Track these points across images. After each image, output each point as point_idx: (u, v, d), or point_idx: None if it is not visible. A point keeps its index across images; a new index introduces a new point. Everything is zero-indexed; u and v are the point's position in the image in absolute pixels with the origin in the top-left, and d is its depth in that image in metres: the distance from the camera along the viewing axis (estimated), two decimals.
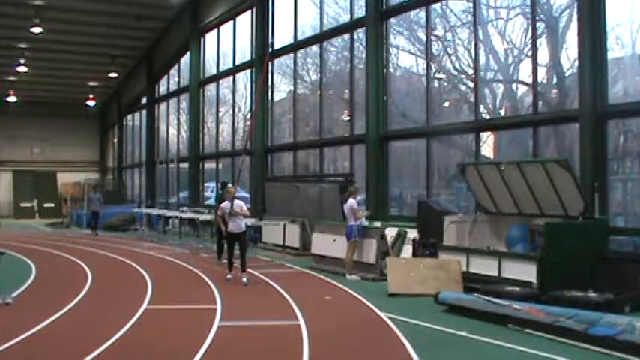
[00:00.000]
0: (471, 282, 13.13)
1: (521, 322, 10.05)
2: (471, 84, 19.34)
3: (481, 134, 18.61)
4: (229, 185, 17.86)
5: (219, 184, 26.96)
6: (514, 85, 19.90)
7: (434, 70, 20.73)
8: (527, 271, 12.27)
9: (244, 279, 14.72)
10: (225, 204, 15.40)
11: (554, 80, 18.41)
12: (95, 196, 31.41)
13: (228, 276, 15.28)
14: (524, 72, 18.29)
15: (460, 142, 20.47)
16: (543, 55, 17.80)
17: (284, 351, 8.84)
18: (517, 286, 12.21)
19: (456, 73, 21.06)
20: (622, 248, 13.71)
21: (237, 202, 15.34)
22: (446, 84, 22.08)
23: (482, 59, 19.14)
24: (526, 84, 18.19)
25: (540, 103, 17.07)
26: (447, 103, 21.74)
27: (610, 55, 15.14)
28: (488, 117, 19.33)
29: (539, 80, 17.12)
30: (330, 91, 25.91)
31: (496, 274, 12.94)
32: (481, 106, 19.16)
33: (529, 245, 13.80)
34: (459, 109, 21.27)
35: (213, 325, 10.26)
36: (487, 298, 11.35)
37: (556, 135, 18.17)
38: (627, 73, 16.73)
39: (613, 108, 14.48)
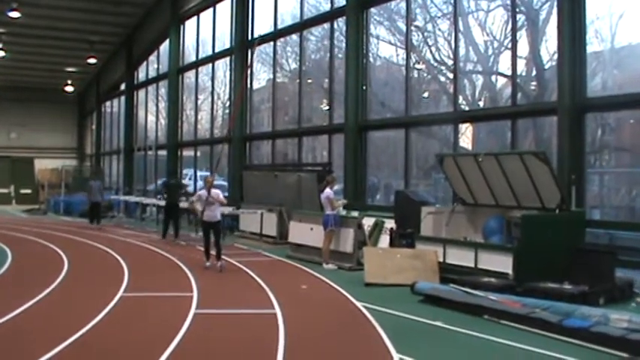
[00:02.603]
0: (448, 273, 13.13)
1: (496, 313, 10.08)
2: (451, 75, 19.34)
3: (460, 125, 18.63)
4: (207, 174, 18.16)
5: (164, 180, 26.90)
6: (493, 77, 19.91)
7: (414, 60, 20.71)
8: (503, 263, 12.28)
9: (219, 264, 15.01)
10: (202, 192, 15.65)
11: (534, 73, 18.46)
12: (96, 184, 27.77)
13: (207, 264, 15.35)
14: (504, 64, 18.30)
15: (439, 133, 20.48)
16: (523, 48, 17.85)
17: (260, 339, 8.81)
18: (493, 277, 12.23)
19: (435, 64, 21.06)
20: (598, 241, 13.80)
21: (214, 190, 15.47)
22: (425, 75, 22.07)
23: (462, 51, 19.16)
24: (505, 76, 18.22)
25: (520, 95, 17.11)
26: (426, 94, 21.74)
27: (589, 49, 15.19)
28: (467, 108, 19.36)
29: (518, 72, 17.15)
30: (310, 80, 25.84)
31: (473, 265, 12.95)
32: (460, 98, 19.18)
33: (506, 237, 13.85)
34: (439, 99, 21.29)
35: (190, 313, 10.23)
36: (463, 288, 11.38)
37: (535, 127, 18.23)
38: (606, 66, 16.81)
39: (591, 101, 14.55)
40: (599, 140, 17.46)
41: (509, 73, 17.34)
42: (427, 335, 9.33)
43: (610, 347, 8.30)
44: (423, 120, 19.63)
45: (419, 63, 21.22)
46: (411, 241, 14.55)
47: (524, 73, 18.36)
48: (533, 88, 18.59)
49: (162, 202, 23.74)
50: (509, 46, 17.27)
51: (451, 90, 19.10)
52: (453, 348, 8.62)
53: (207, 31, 31.88)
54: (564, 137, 14.35)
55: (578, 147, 14.31)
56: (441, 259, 13.58)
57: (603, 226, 14.14)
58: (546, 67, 17.47)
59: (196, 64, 33.05)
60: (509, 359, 8.18)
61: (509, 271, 12.19)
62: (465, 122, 18.96)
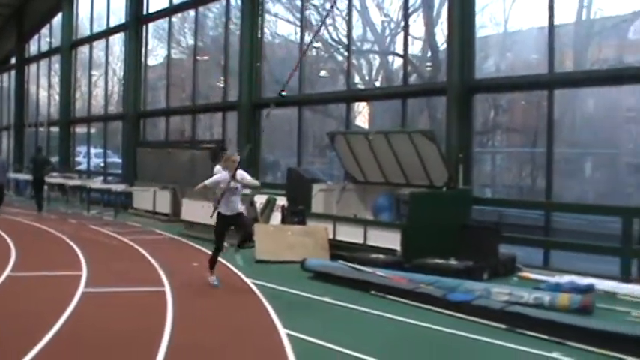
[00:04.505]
0: (338, 249, 13.26)
1: (383, 288, 10.20)
2: (349, 55, 19.43)
3: (357, 104, 18.75)
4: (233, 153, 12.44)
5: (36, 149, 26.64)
6: (390, 57, 20.08)
7: (311, 39, 20.68)
8: (392, 239, 12.46)
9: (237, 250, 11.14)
10: (221, 175, 11.03)
11: (429, 54, 18.70)
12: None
13: (213, 280, 11.04)
14: (400, 44, 18.49)
15: (336, 112, 20.55)
16: (419, 29, 18.05)
17: (147, 317, 8.69)
18: (382, 253, 12.40)
19: (333, 43, 21.09)
20: (488, 218, 14.14)
21: (240, 172, 10.83)
22: (323, 54, 22.09)
23: (359, 31, 19.25)
24: (400, 56, 18.39)
25: (415, 75, 17.31)
26: (323, 72, 21.77)
27: (483, 32, 15.50)
28: (362, 87, 19.48)
29: (415, 53, 17.36)
30: (206, 57, 25.49)
31: (362, 241, 13.11)
32: (357, 77, 19.28)
33: (395, 214, 14.01)
34: (336, 78, 21.35)
35: (77, 292, 9.99)
36: (352, 265, 11.50)
37: (429, 107, 18.49)
38: (499, 49, 17.16)
39: (479, 82, 14.85)
40: (491, 121, 17.83)
41: (404, 53, 17.48)
42: (314, 310, 9.40)
43: (490, 319, 8.51)
44: (316, 98, 19.66)
45: (317, 42, 21.18)
46: (302, 219, 14.59)
47: (420, 54, 18.57)
48: (429, 68, 18.84)
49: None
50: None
51: (350, 69, 19.16)
52: (339, 322, 8.68)
53: (101, 5, 30.97)
54: (453, 117, 14.61)
55: (466, 127, 14.59)
56: (332, 236, 13.69)
57: (490, 204, 14.51)
58: (441, 48, 17.71)
59: (91, 39, 32.08)
60: (393, 332, 8.27)
61: (398, 247, 12.37)
62: (358, 101, 19.09)
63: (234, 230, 11.24)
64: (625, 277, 11.78)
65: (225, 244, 15.02)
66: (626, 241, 12.04)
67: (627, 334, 7.51)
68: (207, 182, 10.98)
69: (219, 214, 10.88)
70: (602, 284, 10.81)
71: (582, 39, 16.26)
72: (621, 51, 15.57)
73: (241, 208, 11.18)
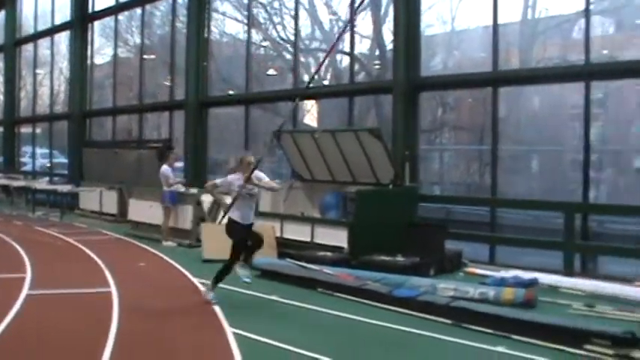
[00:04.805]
0: (286, 247, 13.21)
1: (330, 286, 10.24)
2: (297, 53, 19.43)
3: (306, 103, 18.75)
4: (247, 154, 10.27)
5: None
6: (339, 56, 20.13)
7: (260, 37, 20.67)
8: (339, 237, 12.47)
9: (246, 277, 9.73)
10: (233, 177, 9.58)
11: (377, 52, 18.79)
12: None
13: (212, 297, 9.59)
14: (348, 43, 18.54)
15: (285, 110, 20.53)
16: (367, 28, 18.12)
17: (92, 318, 8.62)
18: (329, 251, 12.41)
19: (281, 41, 21.09)
20: (436, 215, 14.24)
21: (258, 173, 9.68)
22: (271, 52, 22.08)
23: (307, 29, 19.26)
24: (347, 54, 18.44)
25: (364, 73, 17.37)
26: (271, 71, 21.75)
27: (431, 31, 15.61)
28: (310, 85, 19.47)
29: (363, 52, 17.43)
30: (153, 56, 25.25)
31: (309, 239, 13.10)
32: (306, 75, 19.28)
33: (342, 212, 14.02)
34: (284, 77, 21.33)
35: (21, 294, 9.84)
36: (299, 263, 11.49)
37: (377, 105, 18.58)
38: (446, 48, 17.31)
39: (425, 80, 14.93)
40: (439, 118, 17.98)
41: (352, 51, 17.53)
42: (262, 309, 9.38)
43: (436, 315, 8.60)
44: (263, 97, 19.62)
45: (265, 40, 21.17)
46: None
47: (368, 52, 18.66)
48: (377, 66, 18.94)
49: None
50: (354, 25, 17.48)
51: (297, 68, 19.15)
52: (286, 321, 8.71)
53: (46, 2, 30.43)
54: (399, 115, 14.65)
55: (412, 124, 14.64)
56: (279, 234, 13.65)
57: (437, 201, 14.62)
58: (388, 47, 17.80)
59: (35, 37, 31.46)
60: (340, 329, 8.30)
61: (345, 245, 12.38)
62: (306, 99, 19.08)
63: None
64: (568, 271, 11.99)
65: (170, 242, 15.03)
66: (569, 235, 12.25)
67: (568, 327, 7.65)
68: (218, 181, 9.93)
69: (235, 223, 9.42)
70: (546, 278, 10.99)
71: (528, 38, 16.50)
72: (565, 50, 15.83)
73: (253, 217, 9.78)
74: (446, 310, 8.58)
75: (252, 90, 19.76)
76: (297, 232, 13.37)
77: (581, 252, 12.55)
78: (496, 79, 13.83)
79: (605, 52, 16.53)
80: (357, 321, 8.52)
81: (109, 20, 26.38)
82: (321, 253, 12.26)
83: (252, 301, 9.80)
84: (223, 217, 9.72)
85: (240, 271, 9.56)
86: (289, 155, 15.34)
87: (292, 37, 19.69)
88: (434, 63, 17.81)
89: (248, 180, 9.34)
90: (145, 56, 24.79)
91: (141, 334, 7.95)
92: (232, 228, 9.45)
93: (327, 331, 8.16)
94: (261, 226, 13.71)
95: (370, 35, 18.41)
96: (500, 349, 7.22)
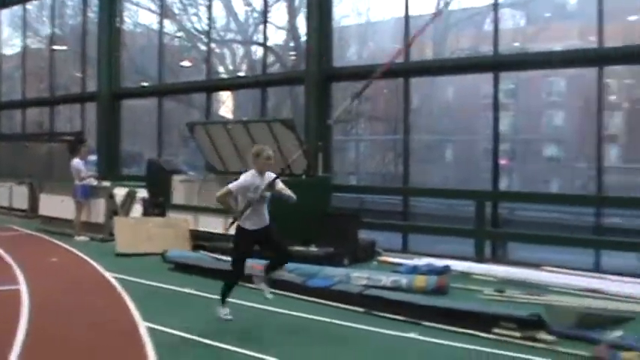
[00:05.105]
0: (200, 240, 13.19)
1: (245, 277, 10.12)
2: (212, 44, 19.31)
3: (221, 94, 18.64)
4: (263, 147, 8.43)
5: None
6: (254, 47, 20.11)
7: (174, 28, 20.45)
8: None
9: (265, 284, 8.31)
10: (250, 177, 7.93)
11: (292, 43, 18.82)
12: None
13: (226, 313, 8.13)
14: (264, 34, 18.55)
15: (199, 102, 20.39)
16: (282, 19, 18.12)
17: (0, 316, 8.35)
18: None
19: (196, 33, 20.93)
20: (351, 205, 14.33)
21: (270, 174, 8.06)
22: (186, 43, 21.89)
23: (222, 20, 19.15)
24: (261, 45, 18.41)
25: (279, 64, 17.36)
26: (186, 62, 21.56)
27: (347, 22, 15.68)
28: (225, 77, 19.42)
29: (279, 43, 17.43)
30: (65, 47, 24.69)
31: (224, 231, 12.99)
32: (221, 67, 19.19)
33: None
34: (200, 68, 21.17)
35: None
36: (213, 255, 11.42)
37: (292, 96, 18.61)
38: (361, 38, 17.42)
39: (337, 71, 15.00)
40: (355, 109, 18.09)
41: (267, 43, 17.52)
42: (175, 302, 9.27)
43: (349, 304, 8.66)
44: (177, 88, 19.40)
45: (179, 31, 20.97)
46: (163, 210, 14.42)
47: (282, 44, 18.66)
48: (292, 57, 18.96)
49: None
50: (269, 17, 17.46)
51: (211, 59, 19.03)
52: (201, 313, 8.59)
53: None
54: (311, 105, 14.71)
55: (325, 115, 14.67)
56: (194, 227, 13.56)
57: (350, 191, 14.71)
58: (303, 38, 17.84)
59: None
60: (254, 320, 8.28)
61: None
62: (219, 90, 18.99)
63: (261, 249, 8.35)
64: (479, 257, 12.24)
65: (83, 237, 14.74)
66: (479, 223, 12.50)
67: (477, 312, 7.85)
68: (231, 186, 7.84)
69: (241, 229, 7.93)
70: (458, 265, 11.18)
71: (441, 29, 16.74)
72: (478, 41, 16.14)
73: (268, 218, 8.12)
74: (359, 298, 8.66)
75: (166, 81, 19.49)
76: (212, 225, 13.26)
77: (492, 239, 12.83)
78: (407, 70, 13.98)
79: (516, 44, 16.94)
80: (271, 311, 8.50)
81: (17, 9, 25.69)
82: None
83: (165, 294, 9.68)
84: (232, 224, 8.04)
85: (263, 286, 8.22)
86: (202, 147, 15.20)
87: (207, 28, 19.57)
88: (349, 54, 17.92)
89: (272, 186, 7.89)
90: (56, 47, 24.26)
91: (51, 331, 7.74)
92: (239, 235, 7.97)
93: (241, 322, 8.08)
94: (174, 219, 13.72)
95: (285, 26, 18.39)
96: (412, 335, 7.31)
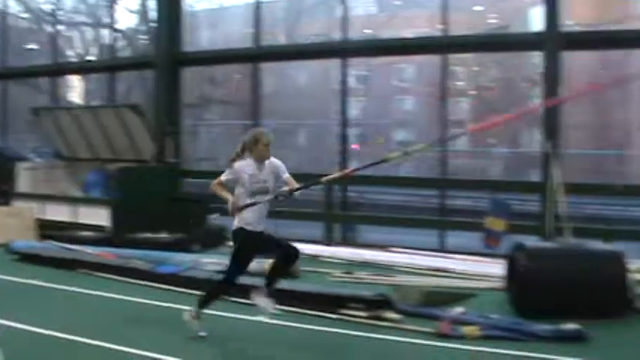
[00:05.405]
0: (48, 229, 12.82)
1: (92, 266, 10.10)
2: (60, 26, 18.75)
3: (70, 78, 18.16)
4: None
5: None
6: (105, 30, 19.67)
7: (20, 9, 19.72)
8: (102, 216, 12.29)
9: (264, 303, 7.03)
10: (242, 167, 6.73)
11: (144, 27, 18.56)
12: None
13: (201, 330, 6.96)
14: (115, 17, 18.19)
15: (46, 86, 19.78)
16: (134, 2, 17.82)
17: None
18: (94, 231, 12.22)
19: (43, 14, 20.24)
20: (203, 191, 14.33)
21: (275, 160, 6.91)
22: (32, 25, 21.13)
23: (70, 2, 18.64)
24: (112, 28, 18.07)
25: (130, 49, 17.08)
26: (31, 45, 20.81)
27: (199, 6, 15.60)
28: (73, 60, 18.93)
29: (131, 26, 17.17)
30: None
31: (73, 219, 12.79)
32: (70, 51, 18.69)
33: (105, 190, 13.76)
34: (46, 51, 20.52)
35: None
36: (60, 244, 11.18)
37: (143, 80, 18.35)
38: (214, 23, 17.39)
39: (187, 55, 14.89)
40: (207, 94, 18.05)
41: (117, 26, 17.24)
42: (23, 296, 8.97)
43: (198, 289, 8.62)
44: (22, 72, 18.72)
45: (26, 12, 20.24)
46: (6, 199, 13.93)
47: (135, 27, 18.39)
48: (145, 42, 18.69)
49: None
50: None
51: (58, 42, 18.46)
52: (49, 306, 8.42)
53: None
54: (161, 90, 14.55)
55: (175, 100, 14.61)
56: (41, 216, 13.18)
57: (199, 176, 14.67)
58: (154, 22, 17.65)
59: None
60: (104, 310, 8.19)
61: (107, 223, 12.18)
62: (66, 74, 18.50)
63: (263, 253, 7.21)
64: (328, 240, 12.52)
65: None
66: (328, 207, 12.79)
67: (325, 294, 8.15)
68: (223, 177, 6.80)
69: (243, 231, 6.78)
70: (308, 248, 11.37)
71: (294, 15, 16.93)
72: (330, 28, 16.42)
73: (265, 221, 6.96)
74: (208, 283, 8.68)
75: (10, 64, 18.74)
76: (60, 213, 13.02)
77: (340, 222, 13.14)
78: (257, 55, 14.07)
79: (368, 30, 17.37)
80: (120, 300, 8.47)
81: None
82: (83, 233, 12.06)
83: (12, 287, 9.35)
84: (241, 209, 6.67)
85: (260, 300, 7.03)
86: (48, 133, 14.79)
87: (57, 11, 19.02)
88: (201, 38, 17.85)
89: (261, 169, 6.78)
90: None
91: None
92: (240, 238, 6.84)
93: (91, 313, 7.99)
94: (19, 208, 13.30)
95: (137, 9, 18.11)
96: (260, 318, 7.33)
